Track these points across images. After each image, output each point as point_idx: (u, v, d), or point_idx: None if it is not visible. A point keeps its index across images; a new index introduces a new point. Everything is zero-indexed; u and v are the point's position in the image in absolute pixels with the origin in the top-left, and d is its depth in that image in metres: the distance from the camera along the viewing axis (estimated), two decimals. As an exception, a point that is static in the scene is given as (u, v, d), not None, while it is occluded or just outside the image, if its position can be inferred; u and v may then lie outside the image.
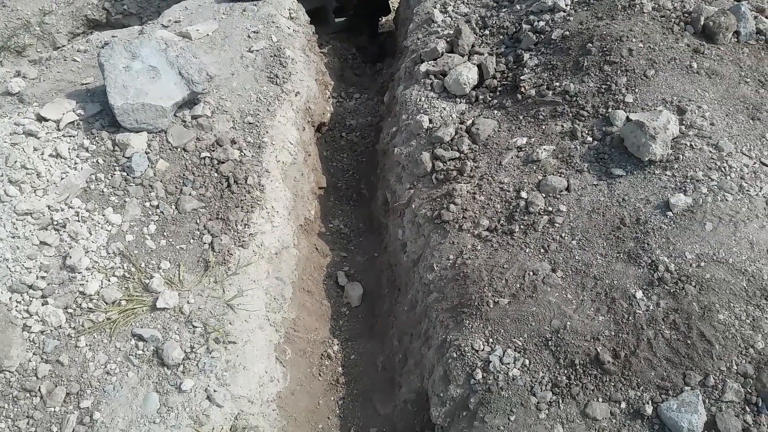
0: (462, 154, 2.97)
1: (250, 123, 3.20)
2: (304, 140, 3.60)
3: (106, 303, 2.46)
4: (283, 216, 2.99)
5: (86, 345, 2.33)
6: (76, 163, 2.84)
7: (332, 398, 2.74)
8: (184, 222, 2.76)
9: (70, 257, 2.52)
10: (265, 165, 3.05)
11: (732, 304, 2.15)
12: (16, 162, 2.73)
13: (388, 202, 3.34)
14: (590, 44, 3.05)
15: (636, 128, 2.60)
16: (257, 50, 3.61)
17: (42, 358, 2.28)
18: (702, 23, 3.07)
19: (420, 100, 3.35)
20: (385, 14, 5.33)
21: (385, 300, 3.06)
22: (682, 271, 2.26)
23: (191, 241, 2.72)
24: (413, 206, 2.94)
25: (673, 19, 3.13)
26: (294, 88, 3.56)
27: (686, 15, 3.15)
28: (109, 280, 2.54)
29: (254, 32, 3.75)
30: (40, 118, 2.98)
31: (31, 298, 2.40)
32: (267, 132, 3.19)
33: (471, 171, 2.88)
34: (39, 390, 2.22)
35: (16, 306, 2.38)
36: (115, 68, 2.98)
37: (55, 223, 2.62)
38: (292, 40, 3.86)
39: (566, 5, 3.39)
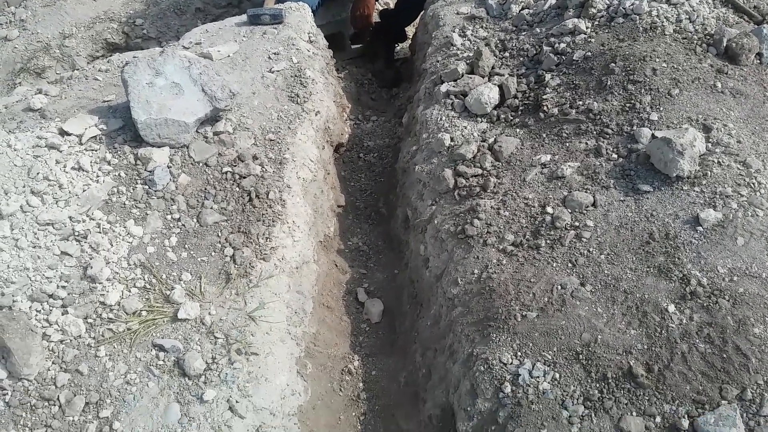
0: (485, 171, 2.96)
1: (271, 140, 3.20)
2: (324, 158, 3.59)
3: (127, 313, 2.42)
4: (303, 231, 2.97)
5: (106, 355, 2.29)
6: (98, 176, 2.83)
7: (353, 414, 2.67)
8: (206, 235, 2.74)
9: (91, 267, 2.50)
10: (286, 181, 3.04)
11: (767, 318, 2.10)
12: (38, 174, 2.73)
13: (408, 219, 3.32)
14: (613, 64, 3.06)
15: (663, 144, 2.58)
16: (278, 71, 3.63)
17: (61, 367, 2.24)
18: (725, 44, 3.08)
19: (441, 119, 3.35)
20: (400, 41, 5.37)
21: (407, 316, 3.02)
22: (715, 285, 2.22)
23: (212, 253, 2.69)
24: (436, 222, 2.92)
25: (695, 41, 3.14)
26: (314, 108, 3.57)
27: (708, 37, 3.16)
28: (129, 291, 2.51)
29: (274, 54, 3.78)
30: (63, 132, 2.99)
31: (51, 308, 2.37)
32: (288, 149, 3.19)
33: (494, 187, 2.86)
34: (58, 399, 2.17)
35: (36, 315, 2.35)
36: (138, 84, 2.99)
37: (76, 234, 2.60)
38: (312, 62, 3.89)
39: (587, 28, 3.41)
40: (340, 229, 3.54)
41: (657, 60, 3.01)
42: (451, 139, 3.20)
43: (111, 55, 5.03)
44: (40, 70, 4.92)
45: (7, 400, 2.13)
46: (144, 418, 2.14)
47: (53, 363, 2.25)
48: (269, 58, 3.77)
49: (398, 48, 5.55)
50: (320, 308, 2.92)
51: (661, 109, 2.85)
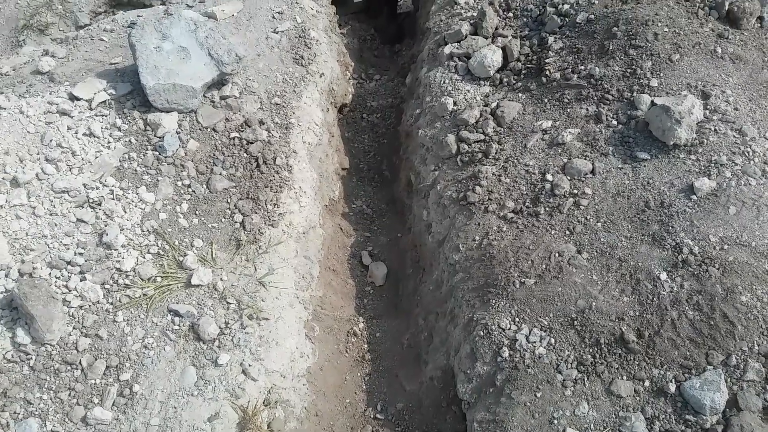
0: (487, 137, 3.01)
1: (277, 104, 3.25)
2: (328, 121, 3.64)
3: (142, 279, 2.53)
4: (310, 196, 3.05)
5: (124, 320, 2.41)
6: (109, 143, 2.90)
7: (359, 374, 2.81)
8: (216, 201, 2.82)
9: (107, 234, 2.59)
10: (292, 146, 3.10)
11: (754, 287, 2.20)
12: (51, 141, 2.80)
13: (411, 183, 3.39)
14: (615, 28, 3.07)
15: (661, 112, 2.63)
16: (282, 31, 3.64)
17: (82, 332, 2.36)
18: (726, 8, 3.08)
19: (444, 82, 3.38)
20: (404, -6, 5.32)
21: (410, 279, 3.13)
22: (706, 254, 2.30)
23: (222, 219, 2.78)
24: (438, 188, 2.99)
25: (697, 4, 3.14)
26: (319, 69, 3.60)
27: (711, 0, 3.16)
28: (144, 257, 2.61)
29: (278, 13, 3.78)
30: (73, 98, 3.04)
31: (69, 274, 2.47)
32: (294, 113, 3.24)
33: (496, 153, 2.92)
34: (80, 363, 2.29)
35: (56, 281, 2.45)
36: (146, 48, 3.02)
37: (90, 201, 2.69)
38: (316, 21, 3.89)
39: (591, -12, 3.40)
40: (344, 192, 3.62)
41: (659, 24, 3.02)
42: (454, 104, 3.24)
43: (113, 11, 5.03)
44: (44, 27, 4.90)
45: (32, 365, 2.26)
46: (162, 381, 2.27)
47: (74, 328, 2.36)
48: (273, 17, 3.77)
49: (400, 1, 5.50)
50: (326, 272, 3.02)
51: (662, 75, 2.88)
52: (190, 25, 3.14)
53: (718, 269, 2.25)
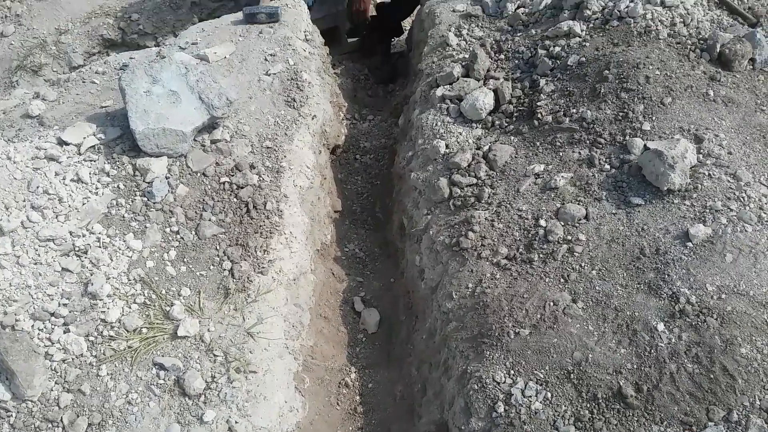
0: (479, 181, 2.99)
1: (268, 147, 3.22)
2: (320, 163, 3.62)
3: (128, 331, 2.47)
4: (301, 242, 3.01)
5: (108, 374, 2.35)
6: (97, 188, 2.86)
7: (350, 428, 2.74)
8: (204, 248, 2.78)
9: (92, 284, 2.54)
10: (283, 190, 3.07)
11: (754, 338, 2.15)
12: (38, 187, 2.76)
13: (404, 227, 3.35)
14: (607, 71, 3.07)
15: (654, 157, 2.61)
16: (274, 73, 3.63)
17: (64, 388, 2.29)
18: (718, 50, 3.08)
19: (436, 124, 3.36)
20: (397, 35, 5.36)
21: (403, 327, 3.07)
22: (704, 304, 2.26)
23: (211, 267, 2.73)
24: (431, 232, 2.96)
25: (689, 46, 3.15)
26: (311, 112, 3.59)
27: (702, 42, 3.17)
28: (130, 308, 2.55)
29: (271, 55, 3.77)
30: (61, 142, 3.01)
31: (53, 326, 2.41)
32: (285, 156, 3.21)
33: (489, 198, 2.89)
34: (61, 420, 2.22)
35: (38, 334, 2.39)
36: (136, 93, 3.01)
37: (76, 249, 2.64)
38: (309, 63, 3.89)
39: (582, 31, 3.41)
40: (336, 235, 3.58)
41: (650, 67, 3.02)
42: (447, 146, 3.22)
43: (107, 52, 5.04)
44: (37, 68, 4.92)
45: (11, 422, 2.19)
46: (146, 439, 2.20)
47: (56, 383, 2.30)
48: (265, 59, 3.77)
49: (394, 42, 5.54)
50: (317, 319, 2.97)
51: (654, 118, 2.87)
52: (181, 68, 3.13)
53: (716, 320, 2.20)
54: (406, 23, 5.49)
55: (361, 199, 3.98)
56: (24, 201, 2.72)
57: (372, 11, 5.07)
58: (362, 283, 3.40)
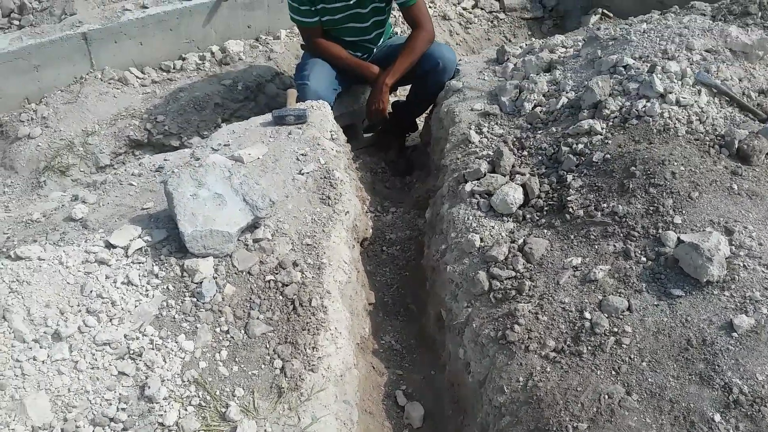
0: (518, 273, 3.08)
1: (308, 245, 3.31)
2: (355, 258, 3.71)
3: (186, 434, 2.48)
4: (345, 336, 3.05)
5: (170, 479, 2.34)
6: (147, 291, 2.92)
7: None
8: (255, 347, 2.82)
9: (149, 387, 2.56)
10: (326, 286, 3.14)
11: (810, 427, 2.20)
12: (92, 291, 2.82)
13: (441, 318, 3.41)
14: (633, 167, 3.23)
15: (691, 250, 2.72)
16: (307, 172, 3.77)
17: (127, 495, 2.29)
18: (737, 146, 3.26)
19: (468, 218, 3.49)
20: (412, 131, 5.60)
21: (450, 422, 3.08)
22: (756, 393, 2.32)
23: (262, 366, 2.77)
24: (474, 325, 3.02)
25: (707, 142, 3.33)
26: (344, 208, 3.71)
27: (719, 138, 3.35)
28: (186, 410, 2.57)
29: (302, 155, 3.92)
30: (109, 245, 3.09)
31: None
32: (325, 252, 3.30)
33: (530, 290, 2.97)
34: None
35: (99, 439, 2.40)
36: (183, 197, 3.12)
37: (131, 352, 2.68)
38: (338, 161, 4.04)
39: (602, 128, 3.59)
40: (372, 327, 3.63)
41: (675, 163, 3.18)
42: (481, 240, 3.33)
43: (133, 152, 5.19)
44: (65, 168, 5.04)
45: None
46: None
47: (119, 491, 2.29)
48: (297, 159, 3.92)
49: (408, 137, 5.76)
50: (364, 415, 2.98)
51: (684, 212, 3.00)
52: (225, 172, 3.26)
53: (771, 409, 2.26)
54: (420, 120, 5.72)
55: (391, 291, 4.05)
56: (79, 305, 2.78)
57: (389, 109, 5.29)
58: (402, 376, 3.43)
